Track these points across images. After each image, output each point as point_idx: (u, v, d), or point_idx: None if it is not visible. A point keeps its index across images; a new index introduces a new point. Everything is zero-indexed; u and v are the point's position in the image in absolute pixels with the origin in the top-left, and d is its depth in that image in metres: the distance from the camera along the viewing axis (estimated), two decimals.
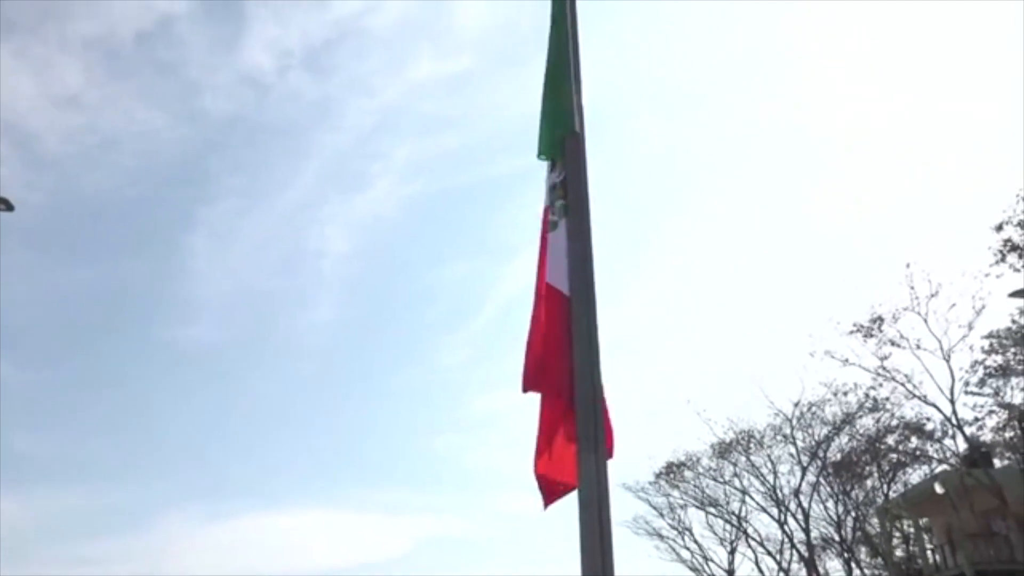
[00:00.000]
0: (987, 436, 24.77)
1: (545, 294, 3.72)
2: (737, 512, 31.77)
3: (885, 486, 28.81)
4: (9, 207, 12.38)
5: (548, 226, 3.86)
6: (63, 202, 52.79)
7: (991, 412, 23.98)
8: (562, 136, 3.88)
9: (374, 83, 55.82)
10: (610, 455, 3.37)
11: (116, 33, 49.23)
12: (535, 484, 3.54)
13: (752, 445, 30.29)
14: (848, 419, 27.76)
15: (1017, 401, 23.36)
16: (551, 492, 3.50)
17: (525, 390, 3.62)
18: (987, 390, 23.55)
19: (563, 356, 3.47)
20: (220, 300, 58.01)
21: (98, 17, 49.12)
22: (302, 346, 58.10)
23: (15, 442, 51.06)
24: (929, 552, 26.87)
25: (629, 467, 31.90)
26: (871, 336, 24.27)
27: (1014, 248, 20.92)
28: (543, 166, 4.10)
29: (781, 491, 30.13)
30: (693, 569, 33.31)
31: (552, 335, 3.58)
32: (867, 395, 26.14)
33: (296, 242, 58.38)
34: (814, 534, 30.04)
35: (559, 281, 3.67)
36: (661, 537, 33.68)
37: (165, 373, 56.83)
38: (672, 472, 32.31)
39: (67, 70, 48.95)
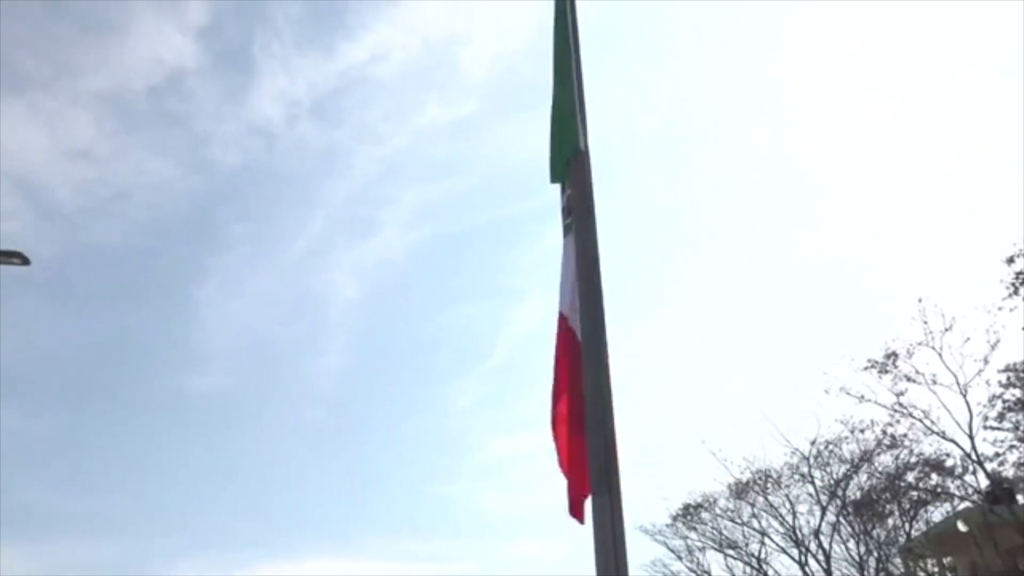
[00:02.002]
0: (1009, 471, 24.33)
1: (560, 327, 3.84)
2: (756, 554, 31.23)
3: (907, 524, 28.27)
4: (25, 261, 12.51)
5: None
6: (73, 253, 53.40)
7: (1012, 447, 23.58)
8: (569, 157, 3.94)
9: (381, 130, 56.57)
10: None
11: (127, 87, 50.29)
12: (565, 513, 3.66)
13: (769, 485, 29.85)
14: (866, 456, 27.36)
15: None
16: (579, 504, 3.57)
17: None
18: (1006, 425, 23.21)
19: (562, 369, 3.61)
20: (228, 348, 58.09)
21: (110, 72, 50.23)
22: (311, 393, 57.98)
23: (22, 492, 50.80)
24: None
25: (645, 509, 31.47)
26: (886, 372, 24.05)
27: None
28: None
29: (801, 531, 29.64)
30: None
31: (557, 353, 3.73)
32: (884, 432, 25.81)
33: (304, 289, 58.66)
34: (836, 575, 29.45)
35: (559, 300, 3.79)
36: None
37: (173, 422, 56.71)
38: (689, 514, 31.82)
39: (79, 124, 49.93)
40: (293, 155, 55.53)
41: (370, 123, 56.40)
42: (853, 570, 29.29)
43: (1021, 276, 20.81)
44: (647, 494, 30.78)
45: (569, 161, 3.92)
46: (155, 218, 53.78)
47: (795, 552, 29.65)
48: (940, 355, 23.07)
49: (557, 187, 4.16)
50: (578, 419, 3.50)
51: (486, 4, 51.95)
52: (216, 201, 56.93)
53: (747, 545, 31.33)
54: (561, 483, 3.74)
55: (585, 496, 3.50)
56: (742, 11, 53.35)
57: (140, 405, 57.44)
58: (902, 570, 29.59)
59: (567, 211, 3.95)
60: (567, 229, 3.90)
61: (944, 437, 23.85)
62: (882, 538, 29.12)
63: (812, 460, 28.72)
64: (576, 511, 3.56)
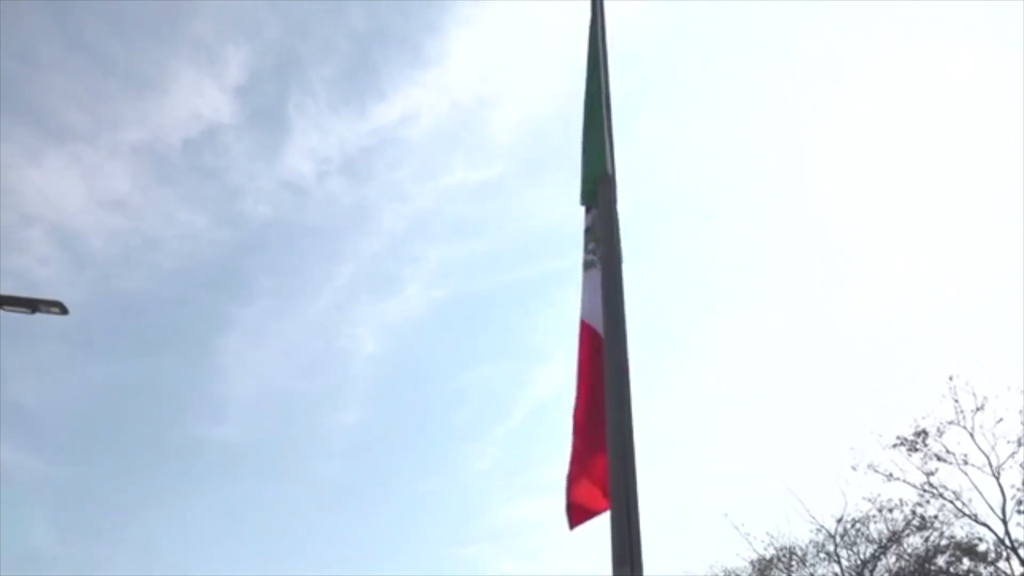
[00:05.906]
0: None
1: (581, 331, 3.83)
2: None
3: None
4: (64, 311, 12.75)
5: (584, 266, 4.03)
6: (102, 301, 54.43)
7: None
8: (596, 180, 4.03)
9: (408, 189, 57.80)
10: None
11: (164, 140, 52.03)
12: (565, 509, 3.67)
13: (794, 563, 29.02)
14: (895, 537, 26.58)
15: None
16: (578, 516, 3.63)
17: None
18: None
19: (595, 388, 3.59)
20: (248, 399, 58.50)
21: (149, 125, 52.07)
22: (328, 447, 57.98)
23: (30, 535, 50.83)
24: None
25: None
26: (915, 450, 23.56)
27: None
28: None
29: None
30: None
31: (585, 369, 3.72)
32: (914, 512, 25.14)
33: (326, 343, 59.20)
34: None
35: (594, 319, 3.76)
36: None
37: (189, 471, 56.80)
38: None
39: (116, 175, 51.61)
40: (322, 211, 56.82)
41: (398, 181, 57.68)
42: None
43: None
44: (667, 567, 30.02)
45: (596, 184, 4.02)
46: (184, 268, 55.00)
47: None
48: (971, 435, 22.61)
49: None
50: (599, 433, 3.51)
51: (516, 69, 53.39)
52: (244, 253, 58.17)
53: None
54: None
55: (591, 511, 3.55)
56: (771, 68, 54.01)
57: (157, 453, 57.69)
58: None
59: (588, 232, 4.06)
60: (588, 264, 3.99)
61: (976, 520, 23.19)
62: None
63: (838, 539, 27.96)
64: (576, 516, 3.62)
